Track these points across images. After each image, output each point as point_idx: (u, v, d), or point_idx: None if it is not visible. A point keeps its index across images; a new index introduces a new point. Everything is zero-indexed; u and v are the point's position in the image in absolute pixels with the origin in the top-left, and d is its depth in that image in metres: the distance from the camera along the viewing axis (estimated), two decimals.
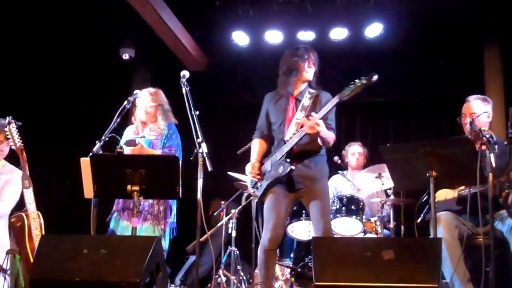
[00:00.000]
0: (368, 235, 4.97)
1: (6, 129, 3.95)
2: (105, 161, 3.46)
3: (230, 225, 5.24)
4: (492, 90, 6.25)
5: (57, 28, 6.59)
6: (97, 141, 3.81)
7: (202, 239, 4.21)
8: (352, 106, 6.89)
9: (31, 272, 2.94)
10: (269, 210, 3.70)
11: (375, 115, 7.21)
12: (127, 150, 4.10)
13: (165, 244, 4.17)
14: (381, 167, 4.85)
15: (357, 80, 3.43)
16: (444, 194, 3.87)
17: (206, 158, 3.47)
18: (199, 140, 3.51)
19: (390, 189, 5.09)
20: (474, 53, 6.52)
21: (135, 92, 4.30)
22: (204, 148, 3.49)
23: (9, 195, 4.21)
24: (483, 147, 3.40)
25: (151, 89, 4.40)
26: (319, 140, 3.59)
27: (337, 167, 5.53)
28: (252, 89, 7.10)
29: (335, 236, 4.50)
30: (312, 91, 3.74)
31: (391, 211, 5.04)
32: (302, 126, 3.57)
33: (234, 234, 5.18)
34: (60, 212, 6.47)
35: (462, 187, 3.77)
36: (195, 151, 3.50)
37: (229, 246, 5.20)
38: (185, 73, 3.77)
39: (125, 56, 7.04)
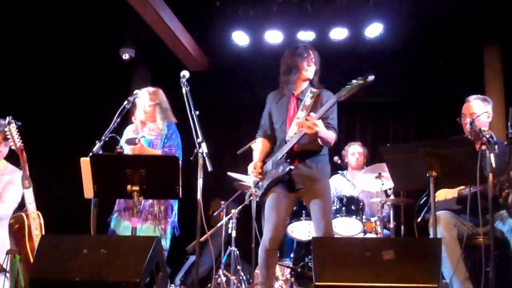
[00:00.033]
0: (368, 235, 4.97)
1: (6, 129, 3.95)
2: (105, 161, 3.46)
3: (230, 225, 5.24)
4: (492, 90, 6.25)
5: (57, 28, 6.59)
6: (97, 141, 3.82)
7: (202, 239, 4.21)
8: (352, 106, 6.90)
9: (31, 272, 2.94)
10: (270, 210, 3.71)
11: (375, 115, 7.21)
12: (127, 149, 4.10)
13: (167, 243, 4.18)
14: (381, 167, 4.85)
15: (353, 81, 3.44)
16: (444, 194, 3.87)
17: (206, 158, 3.47)
18: (199, 140, 3.51)
19: (390, 189, 5.09)
20: (474, 53, 6.52)
21: (135, 92, 4.31)
22: (204, 148, 3.49)
23: (11, 197, 4.22)
24: (483, 147, 3.40)
25: (150, 88, 4.41)
26: (319, 140, 3.60)
27: (337, 167, 5.53)
28: (252, 89, 7.12)
29: (335, 236, 4.50)
30: (314, 90, 3.74)
31: (391, 211, 5.04)
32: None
33: (234, 234, 5.18)
34: (60, 212, 6.46)
35: (462, 187, 3.77)
36: (195, 151, 3.50)
37: (229, 246, 5.20)
38: (185, 73, 3.78)
39: (125, 56, 7.04)
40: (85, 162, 3.64)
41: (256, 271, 4.60)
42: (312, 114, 3.51)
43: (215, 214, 5.74)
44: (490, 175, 3.34)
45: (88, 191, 3.55)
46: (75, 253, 2.81)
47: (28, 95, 7.21)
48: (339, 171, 5.58)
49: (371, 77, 3.39)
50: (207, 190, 3.68)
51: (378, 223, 5.04)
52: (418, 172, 3.29)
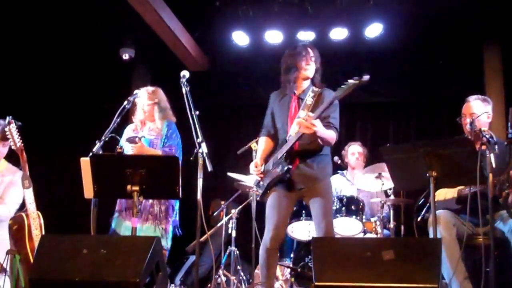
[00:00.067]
0: (368, 235, 4.97)
1: (6, 129, 3.95)
2: (105, 161, 3.46)
3: (230, 225, 5.24)
4: (492, 90, 6.25)
5: (57, 28, 6.58)
6: (97, 141, 3.82)
7: (202, 239, 4.21)
8: (352, 106, 6.90)
9: (31, 272, 2.94)
10: (271, 209, 3.71)
11: (375, 115, 7.21)
12: (128, 147, 4.11)
13: (168, 243, 4.18)
14: (381, 167, 4.86)
15: (350, 80, 3.44)
16: (444, 194, 3.87)
17: (206, 158, 3.47)
18: (199, 140, 3.51)
19: (390, 189, 5.09)
20: (474, 53, 6.52)
21: (135, 92, 4.31)
22: (204, 148, 3.49)
23: (13, 199, 4.24)
24: (483, 147, 3.40)
25: (150, 88, 4.42)
26: (319, 139, 3.59)
27: (337, 167, 5.53)
28: (252, 89, 7.12)
29: (335, 236, 4.50)
30: (316, 89, 3.72)
31: (391, 211, 5.04)
32: None
33: (234, 234, 5.18)
34: (60, 212, 6.46)
35: (462, 187, 3.77)
36: (195, 151, 3.50)
37: (229, 246, 5.20)
38: (185, 73, 3.78)
39: (125, 56, 7.04)
40: (85, 162, 3.64)
41: (256, 271, 4.60)
42: (310, 113, 3.51)
43: (215, 214, 5.74)
44: (490, 175, 3.34)
45: (88, 191, 3.55)
46: (75, 253, 2.81)
47: (28, 95, 7.20)
48: (339, 171, 5.58)
49: (366, 77, 3.39)
50: (207, 190, 3.68)
51: (378, 223, 5.04)
52: (418, 172, 3.29)
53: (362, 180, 5.21)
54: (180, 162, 3.83)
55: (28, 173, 4.02)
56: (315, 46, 3.86)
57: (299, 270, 4.89)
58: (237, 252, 5.14)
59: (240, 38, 6.72)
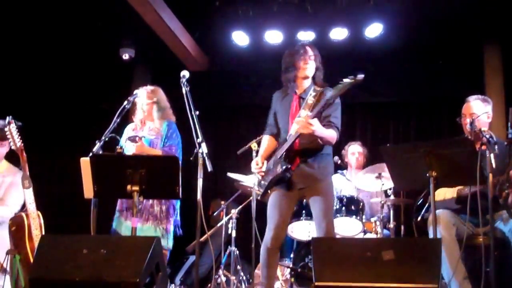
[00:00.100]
0: (368, 235, 4.97)
1: (6, 129, 3.95)
2: (105, 161, 3.46)
3: (230, 225, 5.24)
4: (492, 90, 6.25)
5: (57, 28, 6.58)
6: (97, 141, 3.82)
7: (202, 239, 4.21)
8: (352, 106, 6.90)
9: (31, 272, 2.94)
10: (272, 209, 3.71)
11: (375, 115, 7.21)
12: (130, 145, 4.11)
13: (169, 243, 4.17)
14: (381, 167, 4.85)
15: (344, 80, 3.43)
16: (443, 194, 3.86)
17: (206, 158, 3.46)
18: (199, 140, 3.51)
19: (390, 189, 5.09)
20: (474, 53, 6.52)
21: (135, 92, 4.32)
22: (204, 148, 3.49)
23: (15, 200, 4.27)
24: (483, 147, 3.40)
25: (149, 87, 4.42)
26: (318, 139, 3.59)
27: (337, 167, 5.53)
28: (252, 89, 7.11)
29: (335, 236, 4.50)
30: (318, 88, 3.70)
31: (391, 211, 5.04)
32: None
33: (234, 234, 5.18)
34: (60, 212, 6.46)
35: (461, 187, 3.77)
36: (195, 151, 3.50)
37: (229, 246, 5.20)
38: (185, 73, 3.78)
39: (125, 56, 7.04)
40: (85, 162, 3.65)
41: (256, 271, 4.60)
42: (308, 113, 3.51)
43: (215, 214, 5.74)
44: (490, 175, 3.34)
45: (88, 191, 3.55)
46: (75, 253, 2.81)
47: (28, 95, 7.20)
48: (338, 171, 5.59)
49: (360, 76, 3.39)
50: (207, 190, 3.69)
51: (378, 223, 5.04)
52: (418, 172, 3.29)
53: (362, 180, 5.21)
54: (180, 162, 3.83)
55: (28, 173, 4.02)
56: (315, 46, 3.86)
57: (299, 270, 4.89)
58: (237, 252, 5.14)
59: (240, 38, 6.72)
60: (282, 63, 3.83)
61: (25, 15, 6.28)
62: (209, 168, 3.44)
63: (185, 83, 3.75)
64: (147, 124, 4.37)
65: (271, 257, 3.67)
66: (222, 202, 5.56)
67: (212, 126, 7.11)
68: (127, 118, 4.39)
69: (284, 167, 3.61)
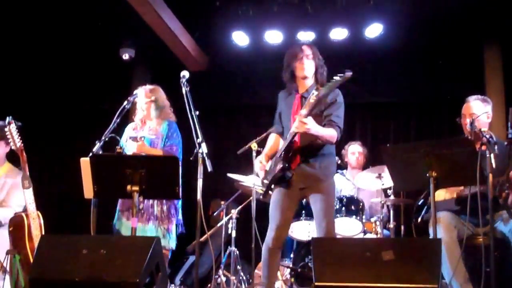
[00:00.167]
0: (368, 235, 4.97)
1: (6, 129, 3.95)
2: (105, 161, 3.46)
3: (230, 225, 5.24)
4: (492, 90, 6.24)
5: (57, 28, 6.59)
6: (97, 141, 3.82)
7: (202, 239, 4.21)
8: (352, 106, 6.87)
9: (31, 272, 2.93)
10: (274, 209, 3.70)
11: (375, 115, 7.21)
12: (132, 144, 4.10)
13: (171, 243, 4.17)
14: (381, 168, 4.86)
15: (334, 77, 3.43)
16: (443, 195, 3.86)
17: (206, 158, 3.46)
18: (199, 140, 3.50)
19: (390, 189, 5.09)
20: (474, 53, 6.52)
21: (135, 92, 4.32)
22: (204, 148, 3.48)
23: (17, 201, 4.28)
24: (483, 147, 3.39)
25: (148, 86, 4.42)
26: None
27: (336, 167, 5.52)
28: (252, 89, 7.11)
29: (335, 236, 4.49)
30: (320, 87, 3.71)
31: (391, 211, 5.04)
32: None
33: (234, 234, 5.18)
34: (60, 212, 6.46)
35: (461, 187, 3.77)
36: (195, 151, 3.50)
37: (229, 246, 5.20)
38: (185, 73, 3.77)
39: (125, 56, 7.04)
40: (85, 162, 3.65)
41: (256, 271, 4.60)
42: (301, 112, 3.50)
43: (215, 214, 5.74)
44: (490, 175, 3.34)
45: (88, 191, 3.56)
46: (75, 253, 2.81)
47: (28, 95, 7.21)
48: (338, 171, 5.58)
49: (348, 73, 3.39)
50: (207, 190, 3.68)
51: (378, 223, 5.04)
52: (418, 172, 3.29)
53: (362, 180, 5.21)
54: (180, 162, 3.83)
55: (28, 173, 4.02)
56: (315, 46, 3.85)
57: (299, 270, 4.89)
58: (237, 252, 5.14)
59: (240, 38, 6.72)
60: (283, 63, 3.84)
61: (25, 15, 6.29)
62: (209, 168, 3.43)
63: (185, 83, 3.74)
64: (147, 124, 4.37)
65: (272, 257, 3.67)
66: (222, 202, 5.55)
67: (212, 126, 7.11)
68: (127, 118, 4.39)
69: (281, 166, 3.60)
